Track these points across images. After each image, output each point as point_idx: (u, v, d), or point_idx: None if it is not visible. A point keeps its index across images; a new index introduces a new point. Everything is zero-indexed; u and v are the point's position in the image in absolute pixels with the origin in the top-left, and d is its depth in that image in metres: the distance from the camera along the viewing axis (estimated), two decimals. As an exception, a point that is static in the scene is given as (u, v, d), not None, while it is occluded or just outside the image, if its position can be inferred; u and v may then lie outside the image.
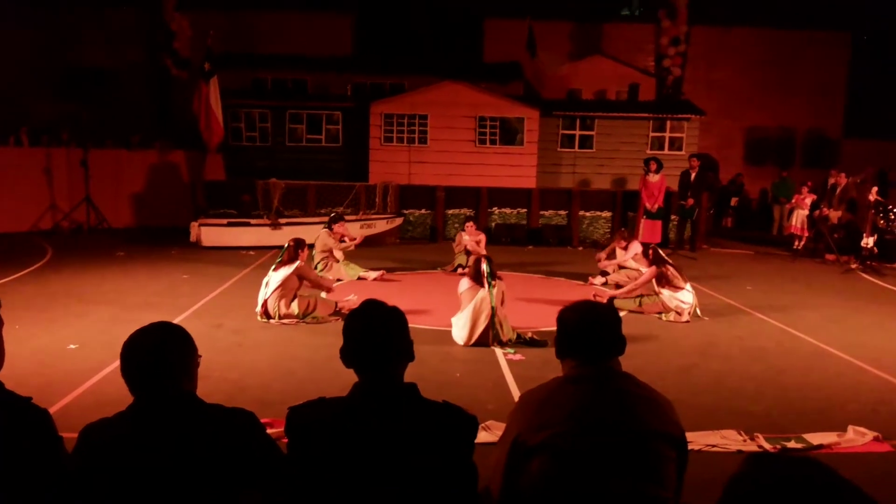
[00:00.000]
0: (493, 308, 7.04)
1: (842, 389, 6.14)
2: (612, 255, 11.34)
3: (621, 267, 11.14)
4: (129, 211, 16.27)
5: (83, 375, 5.80)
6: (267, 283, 7.98)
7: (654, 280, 8.85)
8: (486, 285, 7.11)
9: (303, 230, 11.59)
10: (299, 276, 8.07)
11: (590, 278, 10.98)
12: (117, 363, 2.23)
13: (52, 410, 4.83)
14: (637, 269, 11.07)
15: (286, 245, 8.19)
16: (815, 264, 13.58)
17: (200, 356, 2.37)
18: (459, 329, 7.19)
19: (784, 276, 12.24)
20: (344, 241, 11.05)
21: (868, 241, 12.78)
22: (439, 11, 22.33)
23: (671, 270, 8.71)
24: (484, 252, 11.09)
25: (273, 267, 8.05)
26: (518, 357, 6.78)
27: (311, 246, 10.74)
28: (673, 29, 18.77)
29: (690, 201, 14.52)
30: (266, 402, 5.15)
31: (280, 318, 7.83)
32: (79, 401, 5.31)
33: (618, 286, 10.19)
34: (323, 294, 8.50)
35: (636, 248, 11.20)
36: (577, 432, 2.22)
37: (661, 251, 9.05)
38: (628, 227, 13.86)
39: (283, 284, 7.89)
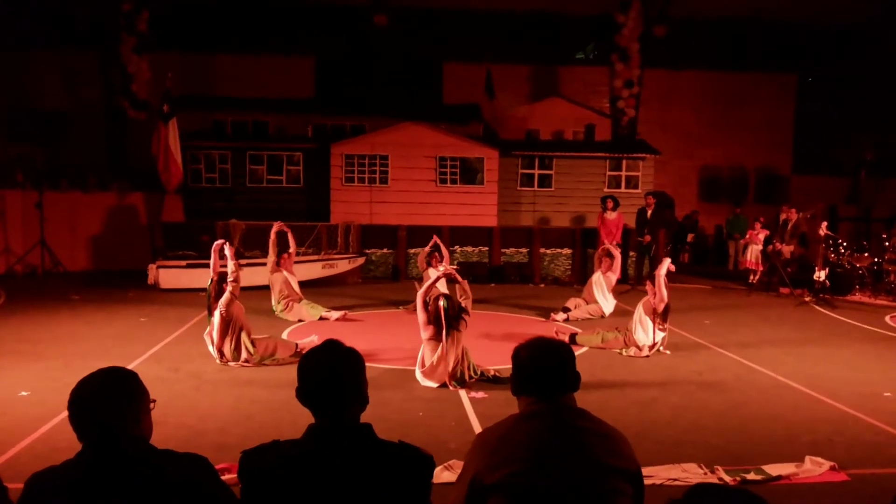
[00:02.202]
0: (461, 352, 7.02)
1: (799, 420, 6.23)
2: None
3: (587, 302, 11.27)
4: (86, 254, 15.95)
5: (35, 423, 5.63)
6: (211, 325, 7.81)
7: (643, 313, 8.72)
8: (444, 332, 7.00)
9: (263, 271, 11.48)
10: (226, 307, 7.77)
11: (552, 314, 11.04)
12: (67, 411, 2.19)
13: (1, 460, 4.67)
14: (599, 305, 11.23)
15: (210, 280, 7.95)
16: (769, 298, 13.85)
17: (154, 401, 2.33)
18: (422, 376, 7.13)
19: (740, 309, 12.45)
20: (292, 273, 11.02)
21: (820, 275, 13.10)
22: (400, 55, 22.58)
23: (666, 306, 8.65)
24: (445, 282, 11.11)
25: (208, 306, 7.88)
26: (481, 395, 6.76)
27: (266, 287, 10.70)
28: (626, 72, 19.25)
29: (647, 238, 14.77)
30: (224, 447, 5.05)
31: (238, 359, 7.69)
32: (30, 449, 5.15)
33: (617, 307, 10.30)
34: (283, 335, 8.35)
35: (613, 279, 11.41)
36: (533, 470, 2.22)
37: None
38: (590, 264, 13.98)
39: (224, 324, 7.73)
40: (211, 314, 7.79)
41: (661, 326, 8.56)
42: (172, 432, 5.37)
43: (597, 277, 11.43)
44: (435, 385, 7.00)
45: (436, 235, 11.74)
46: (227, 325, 7.73)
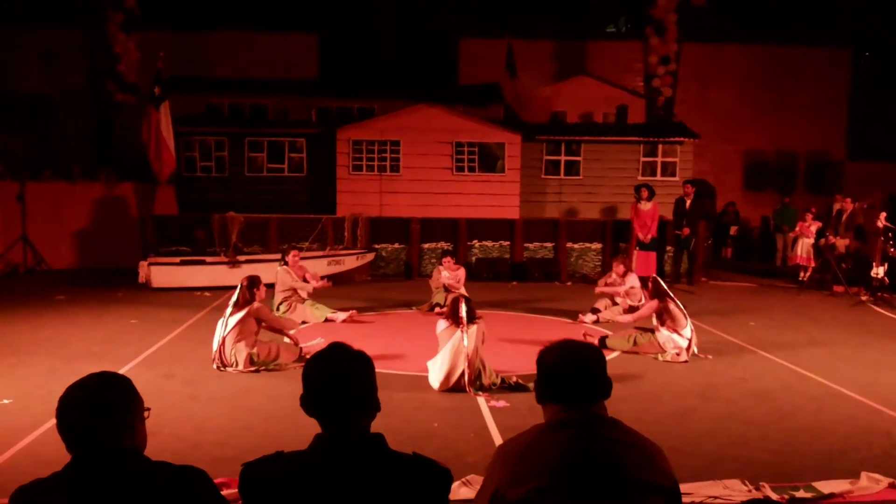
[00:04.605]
0: (473, 349, 7.07)
1: (854, 433, 6.19)
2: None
3: (614, 303, 11.23)
4: (71, 250, 16.10)
5: (18, 433, 5.71)
6: (224, 326, 7.90)
7: (653, 316, 8.90)
8: (464, 321, 7.12)
9: (264, 268, 11.55)
10: (256, 318, 7.99)
11: (580, 316, 11.03)
12: (54, 420, 2.22)
13: (-19, 474, 4.75)
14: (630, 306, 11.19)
15: (239, 285, 8.10)
16: (822, 297, 13.76)
17: (149, 410, 2.36)
18: (435, 372, 7.19)
19: (789, 310, 12.38)
20: (307, 282, 11.00)
21: (878, 271, 12.99)
22: (411, 30, 22.59)
23: (673, 306, 8.75)
24: (463, 289, 11.21)
25: (228, 311, 7.97)
26: (502, 403, 6.77)
27: (271, 286, 10.75)
28: (662, 47, 19.14)
29: (686, 231, 14.69)
30: (222, 460, 5.10)
31: (238, 364, 7.76)
32: (13, 461, 5.22)
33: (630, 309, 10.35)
34: (286, 339, 8.42)
35: (633, 280, 11.30)
36: (561, 486, 2.23)
37: (662, 283, 9.10)
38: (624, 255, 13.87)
39: (240, 329, 7.82)
40: (232, 313, 7.86)
41: (669, 326, 8.64)
42: (166, 444, 5.43)
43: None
44: (447, 386, 7.04)
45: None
46: (245, 331, 7.83)
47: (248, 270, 12.09)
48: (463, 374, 7.04)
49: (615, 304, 11.23)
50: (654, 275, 11.72)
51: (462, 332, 7.09)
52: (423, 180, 16.36)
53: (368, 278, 15.15)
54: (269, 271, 11.20)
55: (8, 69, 20.09)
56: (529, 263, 15.71)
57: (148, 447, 2.34)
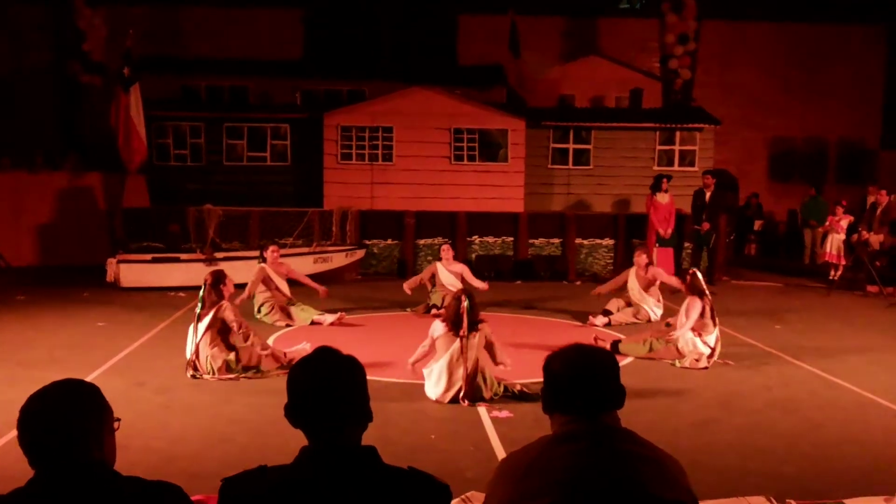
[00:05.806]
0: (473, 363, 7.05)
1: (889, 445, 6.21)
2: (622, 288, 11.38)
3: (628, 304, 11.23)
4: (32, 246, 16.08)
5: (-26, 448, 5.72)
6: (195, 332, 7.88)
7: (681, 316, 8.85)
8: (465, 328, 7.10)
9: (244, 266, 11.54)
10: (221, 318, 7.92)
11: (590, 318, 11.04)
12: (15, 431, 2.22)
13: (-65, 491, 4.73)
14: (644, 308, 11.19)
15: (203, 284, 8.01)
16: (854, 298, 13.80)
17: (118, 420, 2.36)
18: (433, 383, 7.19)
19: (819, 312, 12.41)
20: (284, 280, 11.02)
21: (915, 270, 13.04)
22: (406, 6, 22.56)
23: (708, 307, 8.71)
24: (477, 282, 11.23)
25: (197, 315, 7.94)
26: (505, 414, 6.78)
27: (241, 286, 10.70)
28: (680, 24, 19.12)
29: (706, 226, 14.70)
30: (199, 476, 5.10)
31: (215, 373, 7.75)
32: (-32, 479, 5.22)
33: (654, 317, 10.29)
34: (267, 351, 8.31)
35: (659, 273, 11.31)
36: (569, 502, 2.23)
37: (702, 279, 9.03)
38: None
39: (212, 334, 7.79)
40: (200, 319, 7.83)
41: (699, 328, 8.65)
42: (138, 458, 5.42)
43: (632, 281, 11.30)
44: (446, 398, 7.04)
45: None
46: (213, 338, 7.80)
47: (226, 269, 12.09)
48: (460, 389, 7.03)
49: (629, 305, 11.23)
50: (674, 273, 11.76)
51: (461, 342, 7.04)
52: (419, 170, 16.37)
53: (358, 277, 15.15)
54: (249, 270, 11.20)
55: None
56: (535, 261, 15.73)
57: (118, 461, 2.35)
